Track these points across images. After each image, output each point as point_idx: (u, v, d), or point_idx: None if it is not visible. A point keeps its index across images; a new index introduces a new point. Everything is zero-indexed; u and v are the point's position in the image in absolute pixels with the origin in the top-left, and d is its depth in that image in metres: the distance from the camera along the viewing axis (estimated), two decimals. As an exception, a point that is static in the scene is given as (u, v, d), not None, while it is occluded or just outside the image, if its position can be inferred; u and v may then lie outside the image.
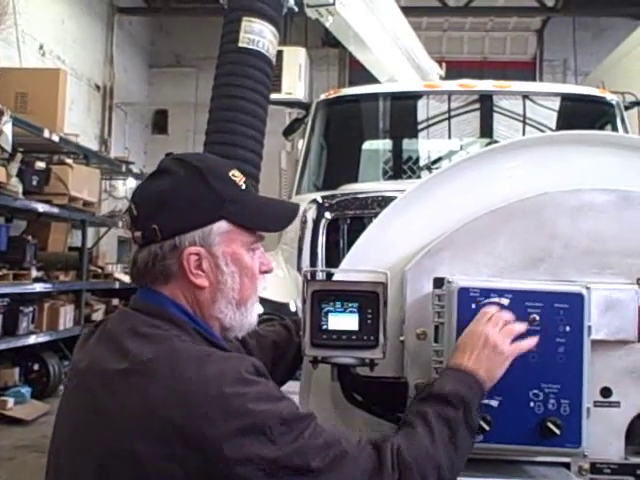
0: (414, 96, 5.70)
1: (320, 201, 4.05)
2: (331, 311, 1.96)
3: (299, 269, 3.97)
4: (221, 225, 1.61)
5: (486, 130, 5.62)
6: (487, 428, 1.80)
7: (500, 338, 1.74)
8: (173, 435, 1.39)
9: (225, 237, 1.62)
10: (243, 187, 1.66)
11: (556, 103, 5.57)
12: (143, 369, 1.46)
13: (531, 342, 1.79)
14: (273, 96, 4.26)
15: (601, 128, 5.24)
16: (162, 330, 1.54)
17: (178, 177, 1.62)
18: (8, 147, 6.76)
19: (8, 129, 6.66)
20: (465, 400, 1.64)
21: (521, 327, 1.79)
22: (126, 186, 12.80)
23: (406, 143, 5.90)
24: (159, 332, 1.53)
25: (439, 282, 1.95)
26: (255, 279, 1.69)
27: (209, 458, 1.39)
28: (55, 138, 8.04)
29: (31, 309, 8.07)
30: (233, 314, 1.65)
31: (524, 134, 5.44)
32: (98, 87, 12.67)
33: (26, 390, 7.86)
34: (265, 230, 1.70)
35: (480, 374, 1.70)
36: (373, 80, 7.13)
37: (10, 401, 7.46)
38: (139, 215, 1.62)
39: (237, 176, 1.67)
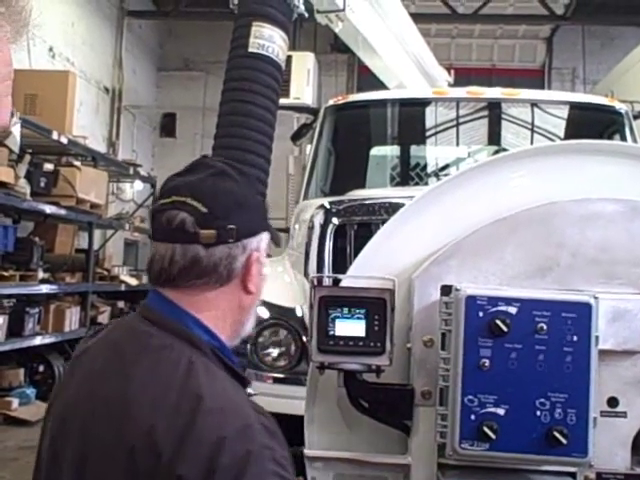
0: (422, 103, 5.70)
1: (327, 207, 4.05)
2: (338, 317, 1.97)
3: (306, 274, 3.97)
4: (266, 235, 1.64)
5: (494, 138, 5.62)
6: (493, 437, 1.80)
7: None
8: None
9: (265, 246, 1.64)
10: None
11: (565, 111, 5.56)
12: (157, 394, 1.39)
13: None
14: (281, 101, 4.27)
15: (610, 137, 5.23)
16: (175, 344, 1.46)
17: (240, 181, 1.60)
18: (16, 148, 6.79)
19: (17, 130, 6.69)
20: None
21: None
22: (133, 189, 12.84)
23: (414, 149, 5.90)
24: (171, 356, 1.44)
25: (447, 290, 1.95)
26: (260, 293, 1.67)
27: None
28: (63, 140, 8.07)
29: (37, 310, 8.09)
30: (249, 324, 1.65)
31: (532, 142, 5.44)
32: (107, 90, 12.71)
33: (31, 391, 7.87)
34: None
35: None
36: (381, 86, 7.14)
37: (15, 402, 7.48)
38: (212, 213, 1.53)
39: None
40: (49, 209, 7.91)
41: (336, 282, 2.33)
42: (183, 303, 1.52)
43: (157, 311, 1.53)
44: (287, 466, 1.38)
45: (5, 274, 7.34)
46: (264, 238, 1.62)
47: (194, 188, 1.55)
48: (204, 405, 1.35)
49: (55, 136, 7.82)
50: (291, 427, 2.17)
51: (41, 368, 8.39)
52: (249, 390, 2.42)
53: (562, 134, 5.43)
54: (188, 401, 1.36)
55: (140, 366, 1.43)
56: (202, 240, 1.51)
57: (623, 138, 5.22)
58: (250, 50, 3.71)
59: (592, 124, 5.47)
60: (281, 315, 3.87)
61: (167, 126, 14.78)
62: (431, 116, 5.66)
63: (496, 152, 4.99)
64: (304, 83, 6.51)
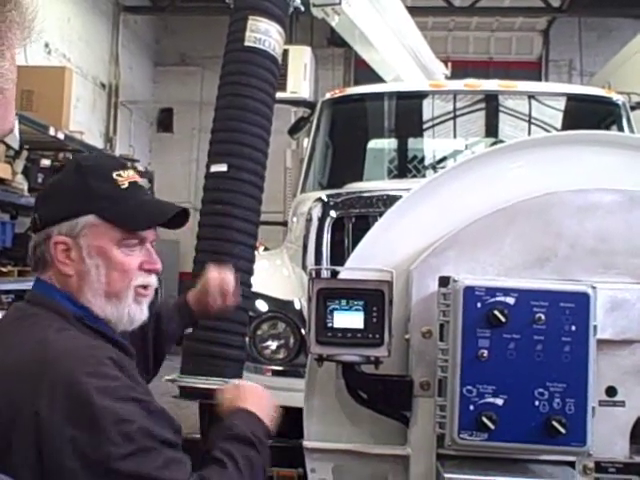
0: (419, 95, 5.69)
1: (325, 199, 4.05)
2: (337, 309, 1.97)
3: (304, 267, 3.97)
4: (89, 219, 1.69)
5: (491, 130, 5.62)
6: (492, 427, 1.80)
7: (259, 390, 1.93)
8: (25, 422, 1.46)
9: (93, 230, 1.69)
10: (124, 186, 1.75)
11: (562, 103, 5.56)
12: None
13: None
14: (278, 95, 4.25)
15: (607, 128, 5.23)
16: (41, 321, 1.63)
17: (64, 173, 1.79)
18: (15, 144, 6.77)
19: (16, 128, 6.67)
20: (262, 442, 1.76)
21: None
22: (131, 184, 12.79)
23: (411, 142, 5.89)
24: (38, 322, 1.62)
25: (445, 281, 1.96)
26: (128, 275, 1.73)
27: (41, 439, 1.45)
28: (60, 136, 8.05)
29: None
30: (103, 305, 1.71)
31: (529, 134, 5.43)
32: (103, 85, 12.67)
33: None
34: (132, 229, 1.74)
35: (265, 422, 1.83)
36: (378, 79, 7.13)
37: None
38: (34, 206, 1.79)
39: (122, 176, 1.76)
40: (47, 205, 7.89)
41: (334, 274, 2.33)
42: (53, 281, 1.71)
43: (32, 291, 1.75)
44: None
45: (3, 270, 7.33)
46: (80, 222, 1.69)
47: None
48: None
49: (52, 132, 7.80)
50: (290, 419, 2.18)
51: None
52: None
53: (559, 126, 5.43)
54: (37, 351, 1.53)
55: (7, 334, 1.63)
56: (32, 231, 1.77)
57: (620, 129, 5.21)
58: (246, 44, 3.69)
59: (589, 116, 5.46)
60: (279, 308, 3.88)
61: (164, 121, 14.73)
62: (428, 109, 5.65)
63: (493, 144, 4.97)
64: (301, 77, 6.51)
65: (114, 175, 1.75)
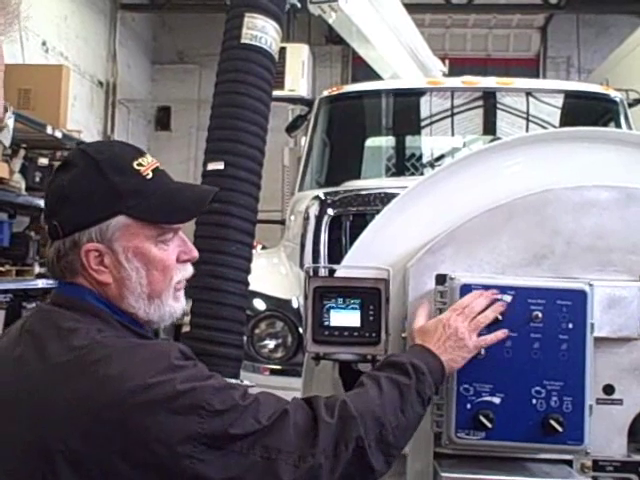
0: (417, 93, 5.69)
1: (323, 198, 4.05)
2: (333, 307, 1.96)
3: (301, 265, 3.97)
4: (119, 220, 1.56)
5: (489, 127, 5.62)
6: (489, 425, 1.80)
7: (467, 332, 1.78)
8: (108, 430, 1.39)
9: (125, 232, 1.57)
10: (149, 176, 1.61)
11: (559, 100, 5.56)
12: (67, 369, 1.44)
13: (497, 336, 1.81)
14: (276, 93, 4.24)
15: (605, 125, 5.23)
16: (84, 324, 1.52)
17: (78, 170, 1.58)
18: (7, 142, 6.75)
19: (10, 125, 6.65)
20: (420, 370, 1.67)
21: (490, 317, 1.80)
22: (129, 182, 12.80)
23: (409, 140, 5.89)
24: (81, 327, 1.51)
25: (441, 279, 1.95)
26: (168, 271, 1.62)
27: (148, 446, 1.39)
28: (58, 134, 8.03)
29: (34, 305, 8.07)
30: (147, 307, 1.61)
31: (527, 131, 5.43)
32: (101, 83, 12.65)
33: (29, 386, 7.86)
34: (167, 223, 1.62)
35: (441, 359, 1.74)
36: (376, 77, 7.12)
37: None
38: (47, 211, 1.62)
39: (143, 164, 1.61)
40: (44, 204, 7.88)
41: (331, 272, 2.33)
42: (87, 286, 1.59)
43: (61, 294, 1.61)
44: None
45: (1, 269, 7.32)
46: (111, 226, 1.56)
47: (46, 185, 1.66)
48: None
49: (49, 130, 7.78)
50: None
51: (38, 363, 8.39)
52: (246, 382, 2.43)
53: (557, 123, 5.43)
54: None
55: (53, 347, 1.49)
56: (50, 237, 1.61)
57: (618, 126, 5.21)
58: (243, 41, 3.67)
59: (587, 112, 5.46)
60: (277, 307, 3.87)
61: (162, 119, 14.71)
62: (426, 106, 5.65)
63: (491, 141, 4.97)
64: (299, 75, 6.49)
65: (135, 165, 1.60)
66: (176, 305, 1.66)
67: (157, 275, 1.60)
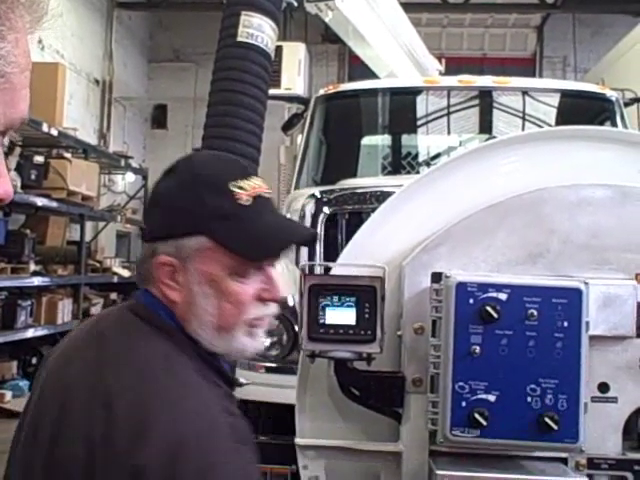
0: (413, 92, 5.69)
1: (318, 196, 4.04)
2: (328, 305, 1.96)
3: (297, 263, 3.96)
4: (200, 240, 1.45)
5: (485, 126, 5.62)
6: (484, 423, 1.80)
7: None
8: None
9: (202, 254, 1.46)
10: (247, 202, 1.47)
11: (555, 99, 5.56)
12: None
13: None
14: (272, 91, 4.25)
15: (600, 124, 5.23)
16: (152, 347, 1.43)
17: (175, 179, 1.52)
18: (2, 140, 6.74)
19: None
20: None
21: None
22: (125, 181, 12.80)
23: (405, 139, 5.89)
24: (147, 352, 1.42)
25: (437, 277, 1.95)
26: (242, 307, 1.48)
27: None
28: (54, 132, 8.03)
29: (29, 303, 8.07)
30: (212, 339, 1.48)
31: (523, 130, 5.43)
32: (97, 81, 12.64)
33: (24, 383, 7.86)
34: (246, 258, 1.48)
35: None
36: (372, 76, 7.12)
37: (8, 394, 7.47)
38: (144, 212, 1.60)
39: (244, 188, 1.48)
40: (40, 201, 7.87)
41: (327, 270, 2.33)
42: (160, 298, 1.50)
43: (142, 304, 1.51)
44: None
45: (-3, 267, 7.33)
46: (190, 244, 1.46)
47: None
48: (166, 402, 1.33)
49: (45, 128, 7.78)
50: (283, 416, 2.18)
51: (34, 360, 8.38)
52: (241, 380, 2.43)
53: (553, 122, 5.43)
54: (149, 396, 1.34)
55: (121, 358, 1.41)
56: (142, 239, 1.56)
57: (614, 125, 5.22)
58: (239, 39, 3.68)
59: (583, 112, 5.46)
60: (273, 305, 3.87)
61: (158, 118, 14.72)
62: (422, 105, 5.65)
63: (487, 140, 4.98)
64: (295, 73, 6.49)
65: (231, 187, 1.47)
66: (249, 343, 1.52)
67: (228, 307, 1.47)
